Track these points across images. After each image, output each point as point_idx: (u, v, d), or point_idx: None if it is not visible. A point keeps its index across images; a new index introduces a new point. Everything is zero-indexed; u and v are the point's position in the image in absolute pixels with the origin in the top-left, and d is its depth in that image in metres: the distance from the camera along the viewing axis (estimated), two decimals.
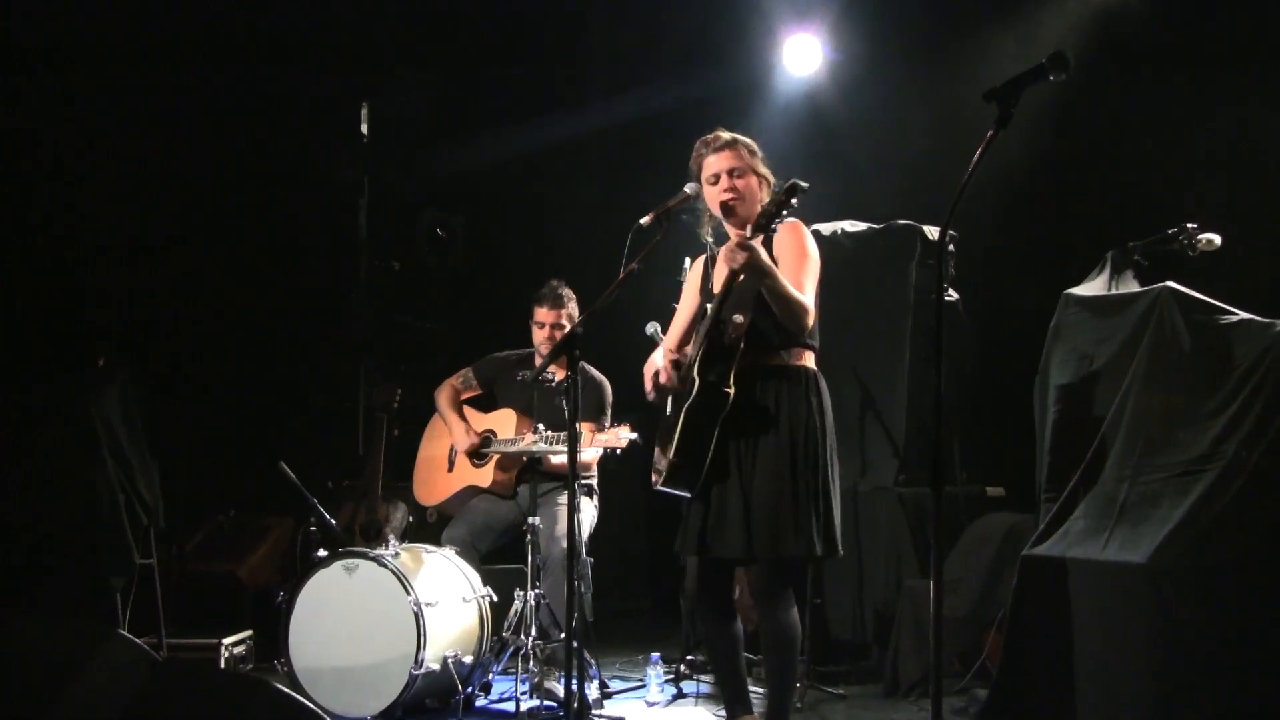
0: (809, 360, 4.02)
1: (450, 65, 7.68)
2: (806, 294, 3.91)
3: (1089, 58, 6.09)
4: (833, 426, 4.00)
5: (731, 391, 3.84)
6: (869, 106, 7.10)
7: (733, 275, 3.87)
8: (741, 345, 3.88)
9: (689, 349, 4.11)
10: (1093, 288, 4.55)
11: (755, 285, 3.86)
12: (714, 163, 4.07)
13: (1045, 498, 4.37)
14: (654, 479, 3.98)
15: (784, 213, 3.80)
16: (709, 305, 4.01)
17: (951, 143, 6.16)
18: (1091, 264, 4.69)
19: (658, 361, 4.12)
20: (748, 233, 3.83)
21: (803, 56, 7.18)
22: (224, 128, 7.27)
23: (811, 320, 3.91)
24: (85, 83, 6.75)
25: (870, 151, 7.07)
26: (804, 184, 3.79)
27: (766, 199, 4.07)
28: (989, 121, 3.05)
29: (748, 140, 4.13)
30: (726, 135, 4.10)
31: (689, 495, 3.94)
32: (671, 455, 3.88)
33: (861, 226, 6.21)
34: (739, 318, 3.89)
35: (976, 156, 3.03)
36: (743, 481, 3.88)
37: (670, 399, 4.04)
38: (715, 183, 4.06)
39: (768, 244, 3.94)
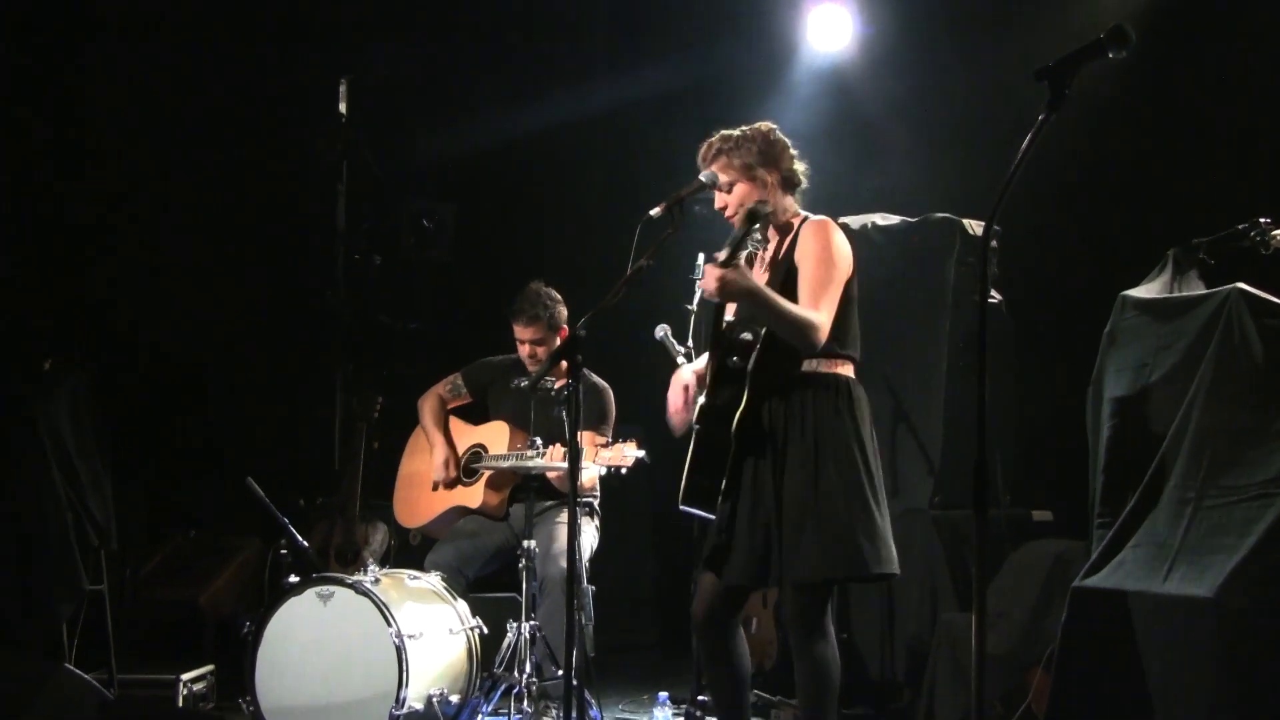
0: (843, 369, 4.06)
1: (439, 36, 7.68)
2: (822, 305, 3.94)
3: (1152, 31, 6.08)
4: (873, 436, 4.06)
5: (735, 419, 3.90)
6: (904, 86, 7.09)
7: (709, 302, 3.97)
8: (750, 366, 3.95)
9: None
10: (1153, 289, 4.53)
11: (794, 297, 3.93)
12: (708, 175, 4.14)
13: (1098, 523, 4.35)
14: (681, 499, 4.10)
15: (750, 243, 3.85)
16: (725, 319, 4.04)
17: (997, 127, 6.14)
18: (1151, 262, 4.67)
19: (686, 378, 4.19)
20: (721, 257, 3.84)
21: (830, 30, 7.16)
22: (185, 106, 7.27)
23: (821, 335, 3.91)
24: (29, 57, 6.74)
25: (905, 136, 7.06)
26: (765, 208, 3.90)
27: (784, 193, 4.11)
28: (1040, 104, 3.03)
29: (746, 137, 4.12)
30: (718, 141, 4.13)
31: (712, 516, 4.00)
32: (686, 475, 3.96)
33: (895, 220, 6.20)
34: (747, 336, 3.96)
35: (1026, 143, 3.01)
36: (762, 501, 3.94)
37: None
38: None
39: (792, 246, 4.01)
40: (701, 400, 4.00)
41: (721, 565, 4.00)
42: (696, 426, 3.97)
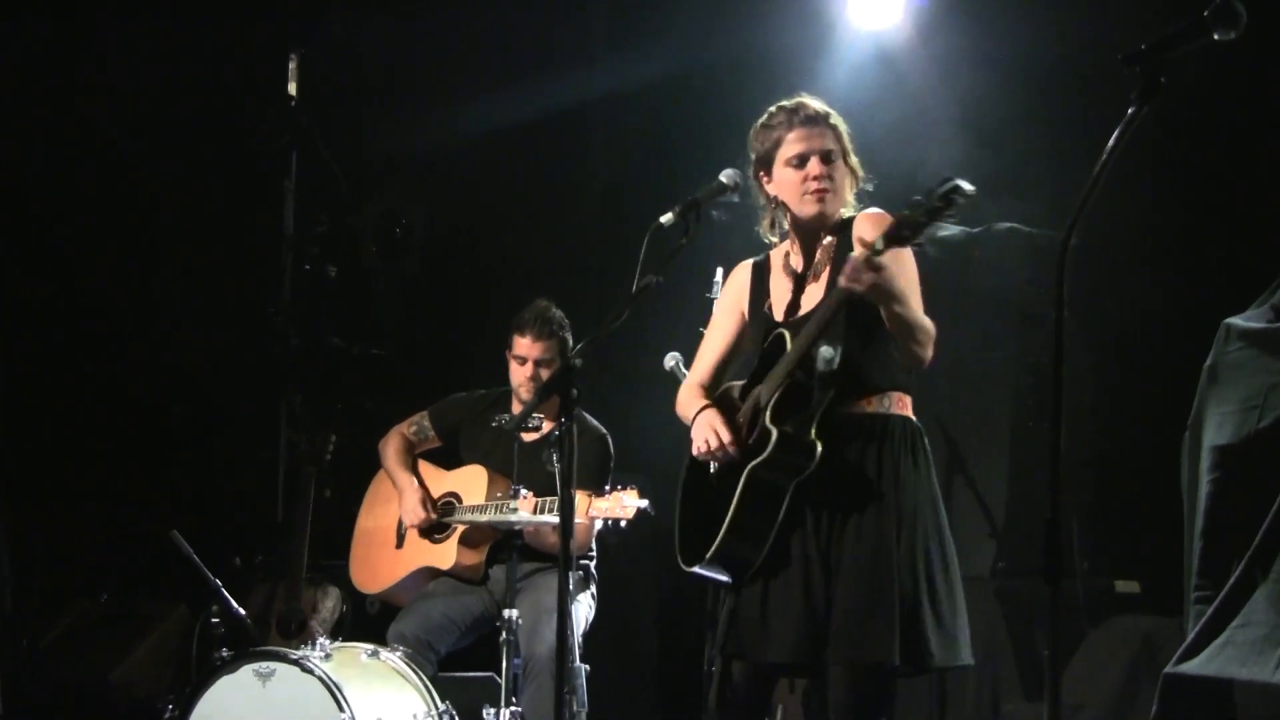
0: (908, 408, 4.08)
1: (409, 4, 7.69)
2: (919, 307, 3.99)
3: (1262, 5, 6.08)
4: (940, 496, 4.08)
5: (819, 447, 3.89)
6: (964, 71, 7.08)
7: (842, 298, 3.86)
8: (832, 390, 3.94)
9: (736, 386, 4.20)
10: (1262, 316, 4.54)
11: (875, 309, 3.91)
12: (802, 139, 4.09)
13: (1196, 596, 4.35)
14: (681, 557, 4.05)
15: (932, 225, 3.76)
16: (783, 332, 4.03)
17: (1078, 121, 6.16)
18: (1260, 284, 4.68)
19: (689, 404, 4.17)
20: (879, 243, 3.76)
21: (875, 3, 7.17)
22: (98, 84, 7.25)
23: (932, 347, 3.97)
24: None
25: (965, 132, 7.06)
26: (967, 187, 3.65)
27: (849, 199, 4.11)
28: (1130, 92, 3.04)
29: (841, 128, 4.16)
30: (819, 105, 4.13)
31: (729, 581, 3.98)
32: (726, 528, 3.90)
33: (953, 229, 6.22)
34: (829, 351, 3.94)
35: (1113, 140, 3.02)
36: (819, 564, 3.92)
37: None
38: (800, 165, 4.09)
39: (844, 248, 4.01)
40: (767, 426, 3.92)
41: (757, 640, 3.97)
42: (756, 460, 3.90)
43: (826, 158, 4.07)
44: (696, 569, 4.00)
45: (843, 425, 3.96)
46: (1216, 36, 3.01)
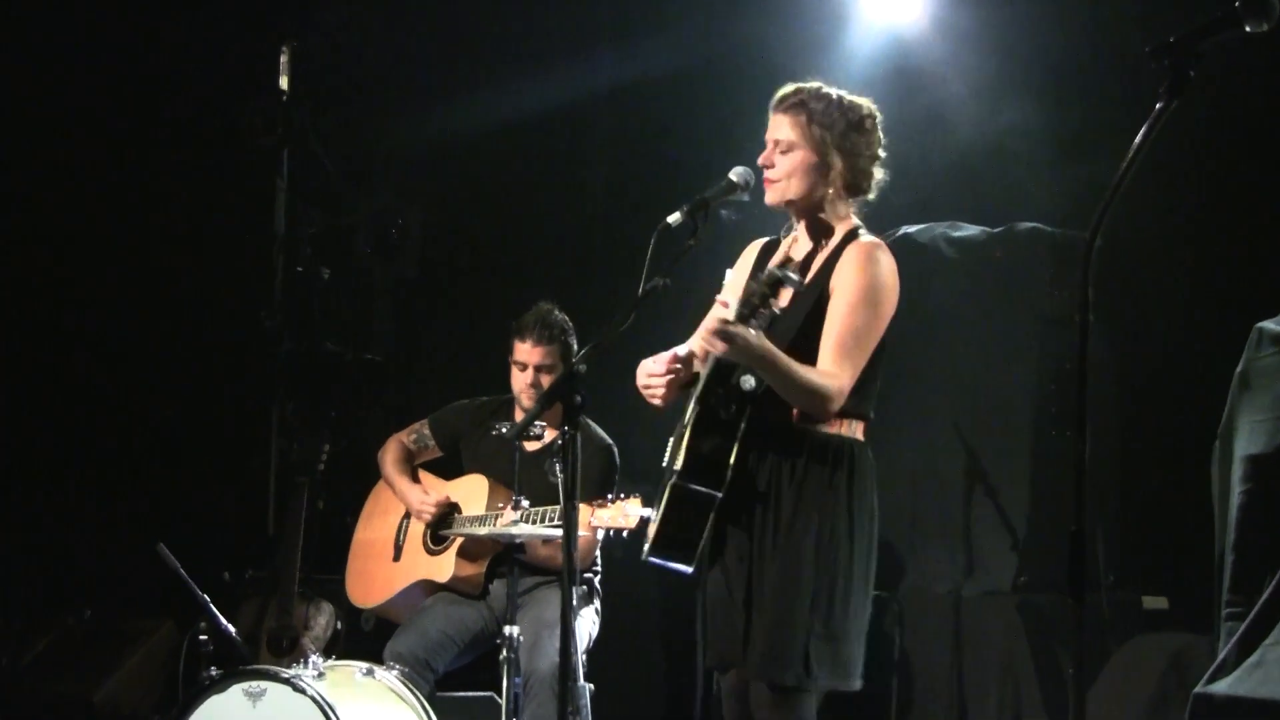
0: (848, 429, 4.10)
1: None
2: (846, 364, 3.99)
3: None
4: (870, 517, 4.11)
5: (729, 475, 3.99)
6: (986, 65, 7.07)
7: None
8: (745, 420, 4.01)
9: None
10: None
11: (799, 339, 4.02)
12: (770, 125, 4.17)
13: (1228, 612, 4.34)
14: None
15: (763, 311, 3.84)
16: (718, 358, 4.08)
17: (1099, 116, 6.15)
18: None
19: (677, 352, 4.23)
20: (732, 315, 3.88)
21: None
22: (83, 76, 7.24)
23: (836, 405, 3.99)
24: None
25: (983, 128, 7.05)
26: (794, 279, 3.81)
27: (845, 195, 4.13)
28: (1156, 87, 3.03)
29: (841, 105, 4.14)
30: (807, 93, 4.14)
31: (688, 570, 4.08)
32: (657, 523, 4.06)
33: (972, 230, 6.22)
34: (748, 381, 4.00)
35: (1140, 137, 3.02)
36: (746, 573, 4.03)
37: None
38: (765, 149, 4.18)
39: (829, 267, 4.07)
40: (681, 453, 4.04)
41: (711, 646, 4.13)
42: (673, 481, 4.03)
43: (775, 145, 4.12)
44: (649, 558, 4.12)
45: (772, 436, 4.03)
46: (1248, 28, 3.00)
